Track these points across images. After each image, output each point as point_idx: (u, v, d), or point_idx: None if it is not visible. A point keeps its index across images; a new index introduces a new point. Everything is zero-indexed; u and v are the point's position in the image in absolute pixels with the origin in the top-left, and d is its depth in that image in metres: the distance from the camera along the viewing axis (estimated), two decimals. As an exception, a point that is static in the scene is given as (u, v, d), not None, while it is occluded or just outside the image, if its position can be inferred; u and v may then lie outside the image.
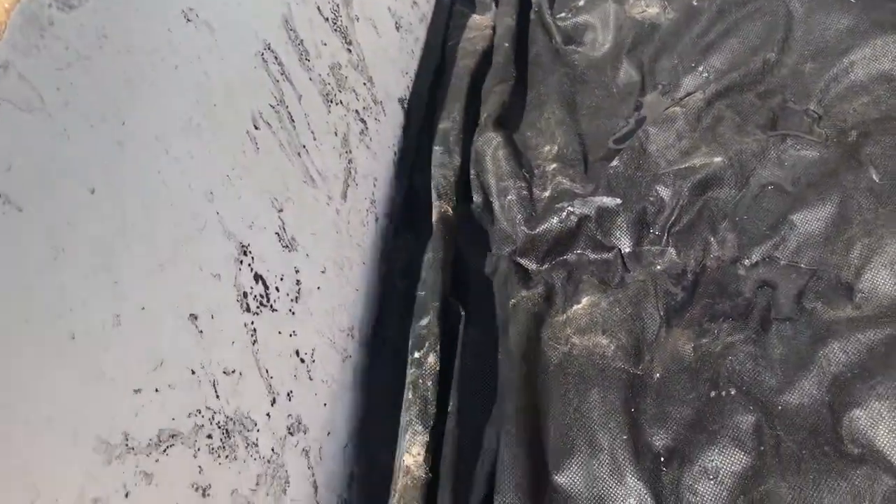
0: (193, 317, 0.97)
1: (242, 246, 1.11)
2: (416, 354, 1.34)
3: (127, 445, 0.83)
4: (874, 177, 1.53)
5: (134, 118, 0.93)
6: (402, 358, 1.37)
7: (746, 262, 1.50)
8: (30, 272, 0.76)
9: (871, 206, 1.48)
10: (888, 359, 1.22)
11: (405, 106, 1.86)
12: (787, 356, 1.30)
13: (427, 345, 1.34)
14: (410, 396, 1.28)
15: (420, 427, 1.24)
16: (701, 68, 1.88)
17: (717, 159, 1.68)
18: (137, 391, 0.86)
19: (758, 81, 1.86)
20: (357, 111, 1.58)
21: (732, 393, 1.27)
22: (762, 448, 1.20)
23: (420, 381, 1.30)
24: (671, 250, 1.54)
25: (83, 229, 0.83)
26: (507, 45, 2.01)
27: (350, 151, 1.52)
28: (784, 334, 1.34)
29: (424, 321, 1.38)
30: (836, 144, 1.66)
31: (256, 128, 1.20)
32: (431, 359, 1.32)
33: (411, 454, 1.20)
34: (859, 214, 1.48)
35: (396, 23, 1.89)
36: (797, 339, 1.32)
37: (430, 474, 1.20)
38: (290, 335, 1.18)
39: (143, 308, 0.89)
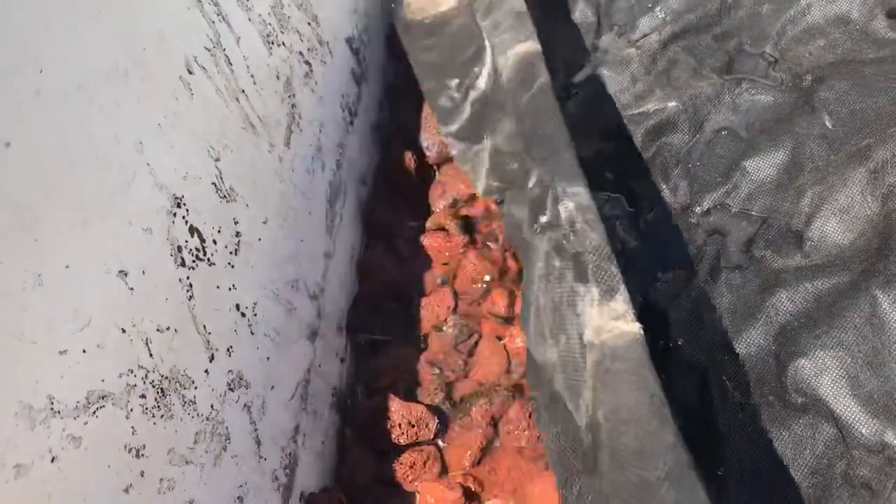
0: (123, 273, 0.93)
1: (176, 198, 1.06)
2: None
3: (52, 409, 0.80)
4: (827, 123, 1.52)
5: (52, 66, 0.87)
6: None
7: (698, 209, 1.49)
8: (-63, 231, 0.71)
9: (823, 153, 1.47)
10: (834, 308, 1.23)
11: (354, 46, 1.80)
12: (734, 305, 1.30)
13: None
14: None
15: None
16: (658, 9, 1.84)
17: (672, 104, 1.66)
18: (63, 352, 0.82)
19: (714, 23, 1.83)
20: (301, 52, 1.52)
21: (679, 343, 1.27)
22: (708, 398, 1.21)
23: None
24: (623, 198, 1.52)
25: (-3, 184, 0.78)
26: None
27: (294, 96, 1.47)
28: (733, 283, 1.34)
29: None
30: (790, 89, 1.64)
31: (191, 72, 1.14)
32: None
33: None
34: (811, 161, 1.47)
35: (344, -41, 1.81)
36: (745, 288, 1.32)
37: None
38: (230, 289, 1.15)
39: (68, 266, 0.85)
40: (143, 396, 0.93)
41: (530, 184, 1.33)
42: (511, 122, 1.50)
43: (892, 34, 1.69)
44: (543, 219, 1.27)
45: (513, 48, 1.55)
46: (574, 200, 1.22)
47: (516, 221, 1.39)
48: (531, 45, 1.53)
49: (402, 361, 1.44)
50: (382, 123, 1.89)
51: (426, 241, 1.60)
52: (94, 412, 0.85)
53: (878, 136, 1.45)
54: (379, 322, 1.50)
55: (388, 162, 1.73)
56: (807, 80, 1.64)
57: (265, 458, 1.17)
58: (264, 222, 1.28)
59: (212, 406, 1.05)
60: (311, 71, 1.56)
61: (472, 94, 1.67)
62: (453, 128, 1.67)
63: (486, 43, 1.65)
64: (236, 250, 1.18)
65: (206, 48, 1.20)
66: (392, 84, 1.96)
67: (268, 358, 1.22)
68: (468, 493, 1.23)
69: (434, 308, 1.49)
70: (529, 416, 1.27)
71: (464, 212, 1.62)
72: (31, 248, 0.81)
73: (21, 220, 0.81)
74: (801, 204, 1.41)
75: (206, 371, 1.06)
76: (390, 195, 1.69)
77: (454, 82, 1.71)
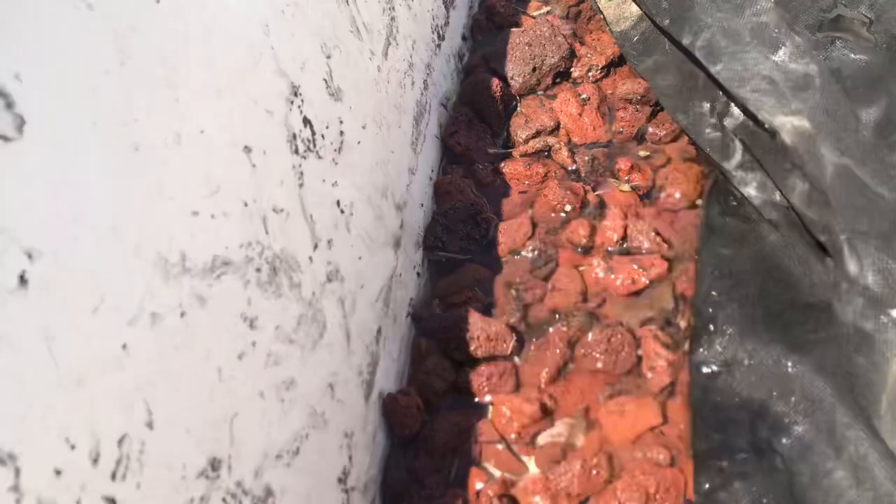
0: (247, 149, 0.95)
1: (294, 86, 1.07)
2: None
3: (184, 266, 0.82)
4: (924, 83, 1.50)
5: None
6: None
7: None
8: (97, 74, 0.73)
9: (918, 111, 1.46)
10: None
11: (445, -30, 1.79)
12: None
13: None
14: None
15: None
16: (753, -40, 1.81)
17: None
18: (195, 214, 0.84)
19: (811, -22, 1.80)
20: (402, -32, 1.52)
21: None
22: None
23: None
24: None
25: (148, 39, 0.79)
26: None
27: (393, 9, 1.47)
28: None
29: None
30: (885, 50, 1.62)
31: (310, -35, 1.15)
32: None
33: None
34: (905, 120, 1.45)
35: None
36: None
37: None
38: (333, 185, 1.16)
39: (202, 132, 0.87)
40: (258, 270, 0.95)
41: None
42: None
43: None
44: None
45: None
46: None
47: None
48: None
49: (477, 281, 1.45)
50: (464, 54, 1.89)
51: (506, 168, 1.60)
52: (218, 276, 0.87)
53: (977, 99, 1.43)
54: (455, 242, 1.51)
55: (471, 88, 1.73)
56: (904, 40, 1.62)
57: (353, 352, 1.19)
58: (363, 127, 1.29)
59: (313, 293, 1.08)
60: (410, -14, 1.56)
61: None
62: None
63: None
64: (339, 149, 1.19)
65: (324, -55, 1.20)
66: (476, 17, 1.95)
67: (360, 257, 1.23)
68: (544, 409, 1.26)
69: (511, 233, 1.50)
70: (609, 339, 1.29)
71: (546, 141, 1.62)
72: (172, 105, 0.83)
73: (166, 77, 0.82)
74: (893, 159, 1.40)
75: (310, 258, 1.08)
76: (471, 122, 1.69)
77: None
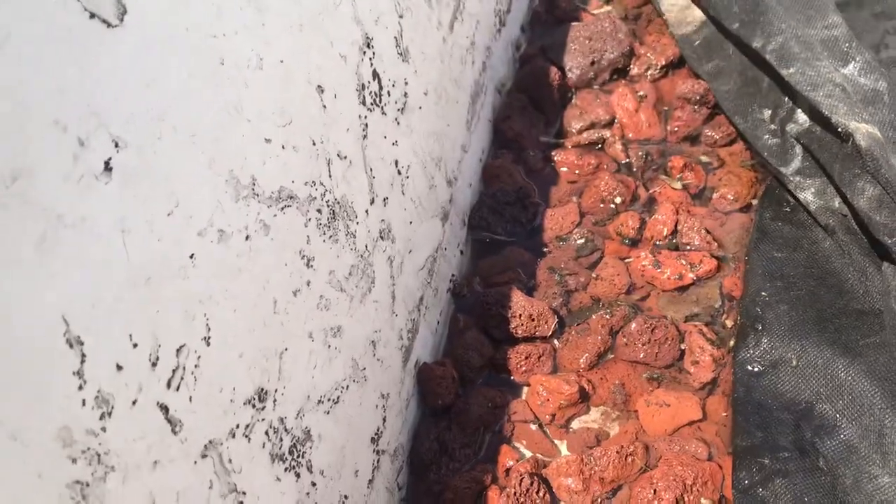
0: (320, 88, 0.95)
1: (367, 37, 1.07)
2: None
3: (253, 190, 0.81)
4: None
5: None
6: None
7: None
8: (193, -17, 0.72)
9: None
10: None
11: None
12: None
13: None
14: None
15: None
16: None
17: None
18: (268, 141, 0.84)
19: (875, 1, 1.79)
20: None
21: None
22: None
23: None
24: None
25: (241, -41, 0.79)
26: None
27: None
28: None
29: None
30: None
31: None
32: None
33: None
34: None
35: None
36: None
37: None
38: (393, 144, 1.16)
39: (282, 61, 0.86)
40: (319, 211, 0.94)
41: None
42: None
43: None
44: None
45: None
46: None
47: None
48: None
49: (520, 264, 1.44)
50: (521, 44, 1.88)
51: (557, 156, 1.59)
52: (283, 208, 0.87)
53: None
54: (501, 224, 1.50)
55: (528, 76, 1.72)
56: (965, 66, 1.60)
57: (397, 314, 1.18)
58: (425, 93, 1.28)
59: (366, 246, 1.07)
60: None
61: None
62: None
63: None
64: (402, 109, 1.19)
65: None
66: (536, 10, 1.95)
67: (410, 222, 1.22)
68: (582, 393, 1.24)
69: (559, 219, 1.49)
70: (652, 330, 1.27)
71: (600, 134, 1.61)
72: (258, 29, 0.82)
73: (256, 1, 0.82)
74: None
75: (367, 212, 1.07)
76: (524, 109, 1.68)
77: None
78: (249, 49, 0.81)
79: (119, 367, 0.63)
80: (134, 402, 0.65)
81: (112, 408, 0.62)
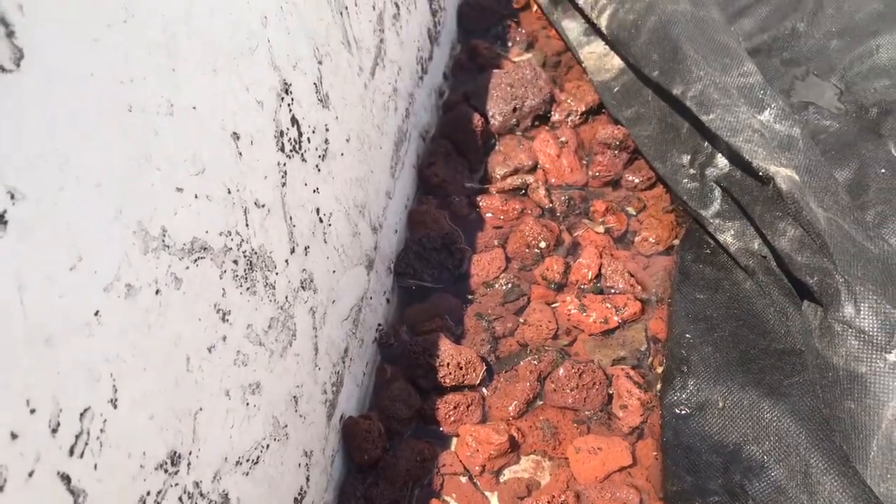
0: (235, 135, 0.91)
1: (285, 83, 1.04)
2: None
3: (164, 242, 0.77)
4: (892, 151, 1.54)
5: None
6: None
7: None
8: (100, 25, 0.69)
9: (888, 176, 1.49)
10: None
11: (433, 7, 1.80)
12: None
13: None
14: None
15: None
16: (732, 28, 1.87)
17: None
18: (180, 190, 0.80)
19: (784, 48, 1.86)
20: (394, -7, 1.52)
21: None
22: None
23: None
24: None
25: (151, 1, 0.76)
26: None
27: (383, 31, 1.46)
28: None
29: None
30: (855, 119, 1.67)
31: (310, -30, 1.13)
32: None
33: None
34: (875, 183, 1.48)
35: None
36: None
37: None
38: (314, 191, 1.13)
39: (195, 108, 0.83)
40: (235, 262, 0.90)
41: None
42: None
43: (955, 86, 1.74)
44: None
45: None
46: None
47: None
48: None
49: (448, 310, 1.42)
50: (444, 91, 1.89)
51: (482, 202, 1.59)
52: (196, 260, 0.83)
53: (942, 170, 1.47)
54: (427, 271, 1.48)
55: (451, 122, 1.72)
56: (872, 112, 1.66)
57: (319, 367, 1.14)
58: (347, 140, 1.26)
59: (286, 297, 1.03)
60: (399, 14, 1.56)
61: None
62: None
63: None
64: (323, 156, 1.16)
65: (325, -47, 1.19)
66: (458, 57, 1.96)
67: (334, 271, 1.19)
68: (512, 442, 1.21)
69: (485, 265, 1.48)
70: (580, 375, 1.26)
71: (524, 179, 1.62)
72: (169, 75, 0.79)
73: (167, 44, 0.79)
74: (866, 218, 1.42)
75: (287, 262, 1.03)
76: (449, 155, 1.68)
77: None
78: (159, 95, 0.77)
79: (14, 436, 0.58)
80: (31, 474, 0.60)
81: (5, 480, 0.57)
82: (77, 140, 0.66)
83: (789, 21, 1.88)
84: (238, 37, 0.93)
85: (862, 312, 1.08)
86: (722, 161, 1.42)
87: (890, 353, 1.05)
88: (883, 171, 1.51)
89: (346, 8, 1.28)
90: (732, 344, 1.25)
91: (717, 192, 1.42)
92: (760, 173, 1.26)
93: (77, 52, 0.66)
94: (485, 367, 1.31)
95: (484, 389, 1.31)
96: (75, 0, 0.66)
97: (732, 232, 1.37)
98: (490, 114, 1.73)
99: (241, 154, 0.92)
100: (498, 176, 1.64)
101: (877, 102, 1.70)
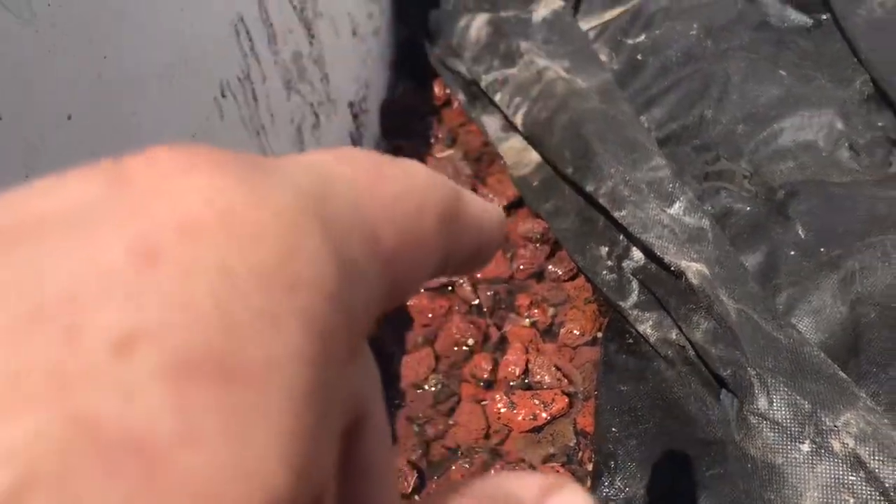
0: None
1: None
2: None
3: None
4: (800, 233, 1.61)
5: (115, 55, 0.89)
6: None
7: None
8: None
9: (797, 258, 1.56)
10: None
11: (354, 112, 1.85)
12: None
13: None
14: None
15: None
16: (643, 118, 1.95)
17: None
18: None
19: (694, 136, 1.95)
20: (312, 104, 1.56)
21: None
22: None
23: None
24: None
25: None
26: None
27: (303, 144, 1.50)
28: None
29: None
30: (764, 201, 1.75)
31: (223, 96, 1.16)
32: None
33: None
34: (786, 265, 1.55)
35: (353, 29, 1.88)
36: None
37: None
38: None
39: None
40: None
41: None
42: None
43: (853, 164, 1.84)
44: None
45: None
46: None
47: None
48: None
49: (378, 416, 1.42)
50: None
51: (411, 300, 1.61)
52: None
53: (846, 249, 1.54)
54: (357, 376, 1.48)
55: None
56: (780, 194, 1.75)
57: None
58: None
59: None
60: (319, 123, 1.59)
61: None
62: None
63: None
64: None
65: (238, 77, 1.22)
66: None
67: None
68: (445, 550, 1.21)
69: (414, 366, 1.49)
70: (511, 477, 1.27)
71: (450, 277, 1.65)
72: None
73: None
74: (776, 302, 1.48)
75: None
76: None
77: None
78: None
79: None
80: None
81: None
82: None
83: (697, 108, 1.98)
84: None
85: (774, 404, 1.12)
86: (637, 254, 1.47)
87: (804, 443, 1.08)
88: (792, 252, 1.57)
89: (263, 127, 1.31)
90: (657, 436, 1.28)
91: (635, 284, 1.46)
92: (672, 268, 1.31)
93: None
94: (416, 475, 1.31)
95: (416, 497, 1.31)
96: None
97: (651, 322, 1.41)
98: (415, 212, 1.76)
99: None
100: (425, 274, 1.67)
101: (783, 184, 1.78)
